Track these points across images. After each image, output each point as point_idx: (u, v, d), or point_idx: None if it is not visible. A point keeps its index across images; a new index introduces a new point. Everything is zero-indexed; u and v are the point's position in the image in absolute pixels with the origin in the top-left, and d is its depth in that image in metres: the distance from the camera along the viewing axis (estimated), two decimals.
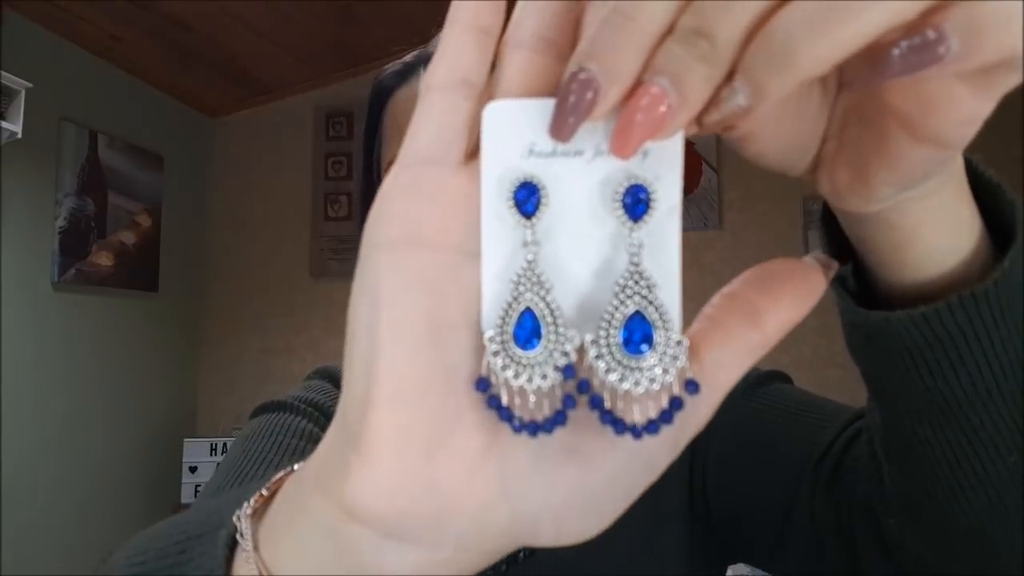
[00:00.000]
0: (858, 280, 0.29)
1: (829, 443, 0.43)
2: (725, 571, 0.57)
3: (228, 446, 2.13)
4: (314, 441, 0.52)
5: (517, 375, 0.19)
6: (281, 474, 0.26)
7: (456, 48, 0.20)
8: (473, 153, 0.20)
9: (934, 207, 0.24)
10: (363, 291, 0.20)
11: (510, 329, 0.19)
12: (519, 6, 0.20)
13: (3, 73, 2.02)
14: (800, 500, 0.43)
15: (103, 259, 2.60)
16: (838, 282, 0.29)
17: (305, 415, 0.55)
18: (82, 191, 2.50)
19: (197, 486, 2.69)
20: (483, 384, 0.19)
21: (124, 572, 0.27)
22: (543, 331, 0.19)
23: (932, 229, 0.25)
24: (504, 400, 0.19)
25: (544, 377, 0.19)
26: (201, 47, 2.65)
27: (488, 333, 0.19)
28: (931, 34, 0.16)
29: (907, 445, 0.31)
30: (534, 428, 0.19)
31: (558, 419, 0.19)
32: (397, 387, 0.19)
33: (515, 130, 0.19)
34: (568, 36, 0.20)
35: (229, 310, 3.17)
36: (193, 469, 2.73)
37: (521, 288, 0.19)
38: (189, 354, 3.12)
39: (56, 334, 2.41)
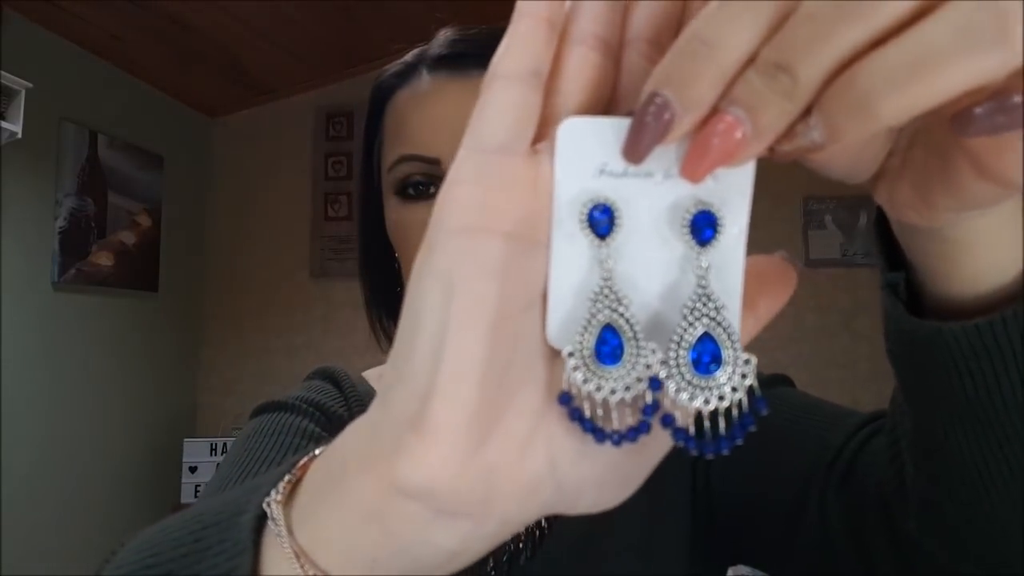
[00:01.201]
0: (907, 289, 0.29)
1: (841, 446, 0.43)
2: (726, 571, 0.57)
3: (228, 446, 2.13)
4: (315, 440, 0.52)
5: (599, 388, 0.19)
6: (304, 459, 0.25)
7: (525, 39, 0.20)
8: (534, 143, 0.21)
9: (989, 224, 0.24)
10: (433, 275, 0.20)
11: (591, 344, 0.20)
12: (573, 6, 0.21)
13: (3, 73, 2.02)
14: (810, 502, 0.43)
15: (103, 259, 2.60)
16: (889, 289, 0.29)
17: (306, 415, 0.55)
18: (82, 191, 2.50)
19: (197, 486, 2.69)
20: (565, 398, 0.20)
21: (133, 567, 0.26)
22: (625, 345, 0.20)
23: (986, 245, 0.25)
24: (587, 413, 0.20)
25: (627, 389, 0.20)
26: (201, 47, 2.65)
27: (567, 348, 0.20)
28: (1017, 99, 0.16)
29: (937, 449, 0.32)
30: (618, 439, 0.20)
31: (642, 428, 0.20)
32: (465, 372, 0.19)
33: (588, 149, 0.20)
34: (619, 34, 0.20)
35: (229, 310, 3.17)
36: (193, 469, 2.73)
37: (599, 305, 0.20)
38: (189, 354, 3.12)
39: (56, 334, 2.41)
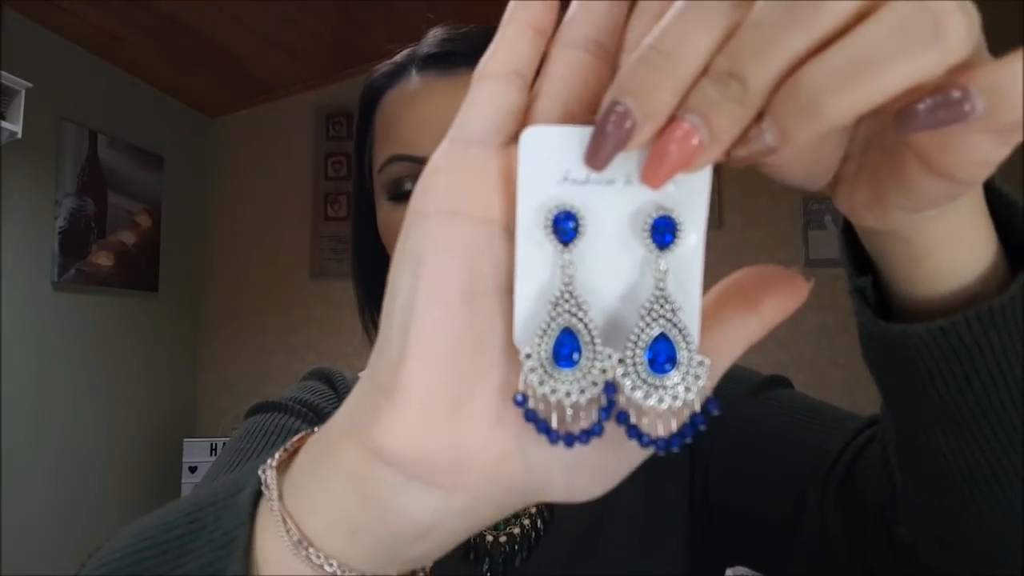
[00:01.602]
0: (877, 293, 0.30)
1: (840, 450, 0.43)
2: (724, 572, 0.57)
3: None
4: None
5: (554, 391, 0.20)
6: (302, 434, 0.27)
7: (511, 42, 0.21)
8: (514, 137, 0.21)
9: (949, 225, 0.25)
10: (406, 253, 0.21)
11: (548, 347, 0.20)
12: (572, 9, 0.21)
13: (3, 73, 2.02)
14: (810, 506, 0.43)
15: (103, 259, 2.60)
16: (858, 294, 0.29)
17: (299, 416, 0.55)
18: (82, 191, 2.50)
19: (197, 486, 2.69)
20: (521, 399, 0.20)
21: (125, 551, 0.27)
22: (582, 349, 0.20)
23: (947, 246, 0.25)
24: (542, 414, 0.20)
25: (582, 392, 0.20)
26: (201, 47, 2.65)
27: (525, 350, 0.20)
28: (956, 94, 0.17)
29: (920, 453, 0.32)
30: (570, 440, 0.20)
31: (595, 431, 0.20)
32: (431, 342, 0.21)
33: (551, 156, 0.20)
34: (615, 39, 0.21)
35: (229, 310, 3.17)
36: (193, 469, 2.73)
37: (559, 309, 0.20)
38: (189, 354, 3.12)
39: (56, 334, 2.41)
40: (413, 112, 0.51)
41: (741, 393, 0.53)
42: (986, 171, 0.20)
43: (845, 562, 0.41)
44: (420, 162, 0.50)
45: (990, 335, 0.26)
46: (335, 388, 0.59)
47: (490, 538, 0.52)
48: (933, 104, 0.17)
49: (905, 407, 0.31)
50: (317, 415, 0.56)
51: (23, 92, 2.09)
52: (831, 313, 2.59)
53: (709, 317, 0.22)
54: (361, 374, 0.65)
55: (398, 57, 0.55)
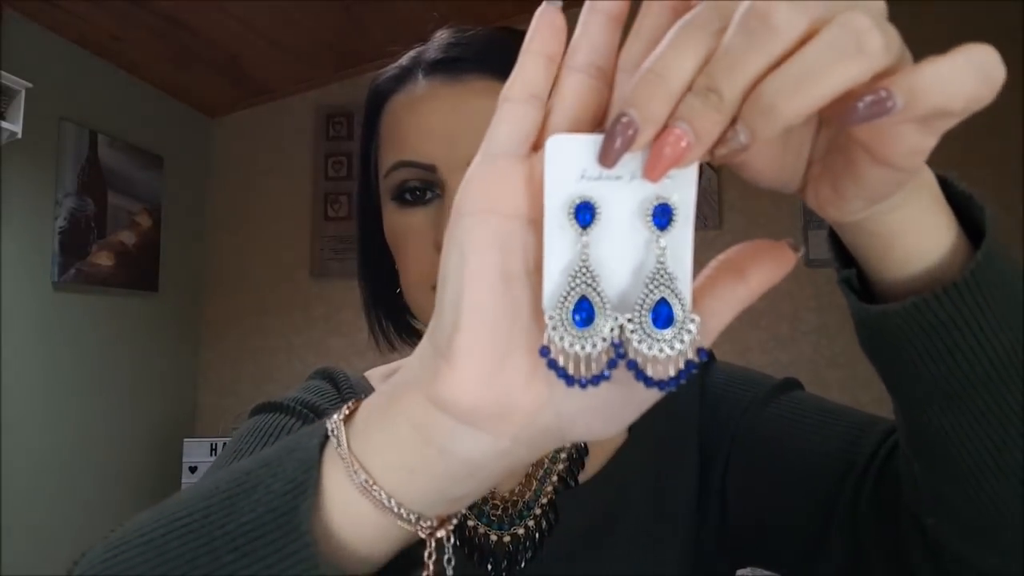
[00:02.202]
0: (863, 283, 0.34)
1: (871, 455, 0.44)
2: (734, 573, 0.57)
3: None
4: None
5: (571, 344, 0.25)
6: (359, 396, 0.32)
7: (528, 70, 0.27)
8: (534, 148, 0.27)
9: (907, 217, 0.29)
10: (453, 246, 0.26)
11: (568, 311, 0.25)
12: (575, 39, 0.27)
13: (3, 73, 2.02)
14: (840, 511, 0.44)
15: (103, 259, 2.60)
16: (844, 283, 0.34)
17: (300, 417, 0.55)
18: (82, 191, 2.50)
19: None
20: (544, 351, 0.25)
21: (148, 530, 0.30)
22: (595, 312, 0.25)
23: (908, 234, 0.30)
24: (560, 362, 0.25)
25: (594, 346, 0.25)
26: (201, 47, 2.65)
27: (548, 312, 0.25)
28: (883, 93, 0.22)
29: (926, 436, 0.34)
30: (584, 383, 0.25)
31: (604, 376, 0.25)
32: (478, 317, 0.26)
33: (571, 159, 0.25)
34: (611, 61, 0.26)
35: (229, 310, 3.17)
36: (193, 469, 2.73)
37: (577, 280, 0.25)
38: (189, 354, 3.12)
39: (56, 334, 2.41)
40: (419, 118, 0.51)
41: (756, 398, 0.53)
42: (919, 158, 0.24)
43: (879, 567, 0.42)
44: (426, 169, 0.50)
45: (961, 310, 0.30)
46: (338, 388, 0.59)
47: (495, 538, 0.52)
48: (868, 101, 0.22)
49: (902, 389, 0.34)
50: (319, 416, 0.56)
51: (23, 92, 2.10)
52: (831, 313, 2.59)
53: (706, 287, 0.27)
54: (367, 373, 0.65)
55: (404, 60, 0.55)
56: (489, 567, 0.51)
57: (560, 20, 0.27)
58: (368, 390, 0.60)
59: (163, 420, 2.92)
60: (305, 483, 0.28)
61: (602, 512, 0.53)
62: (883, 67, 0.22)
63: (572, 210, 0.25)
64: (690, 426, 0.56)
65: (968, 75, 0.22)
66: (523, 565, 0.51)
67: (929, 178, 0.30)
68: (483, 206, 0.26)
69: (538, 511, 0.53)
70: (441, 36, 0.54)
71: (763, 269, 0.27)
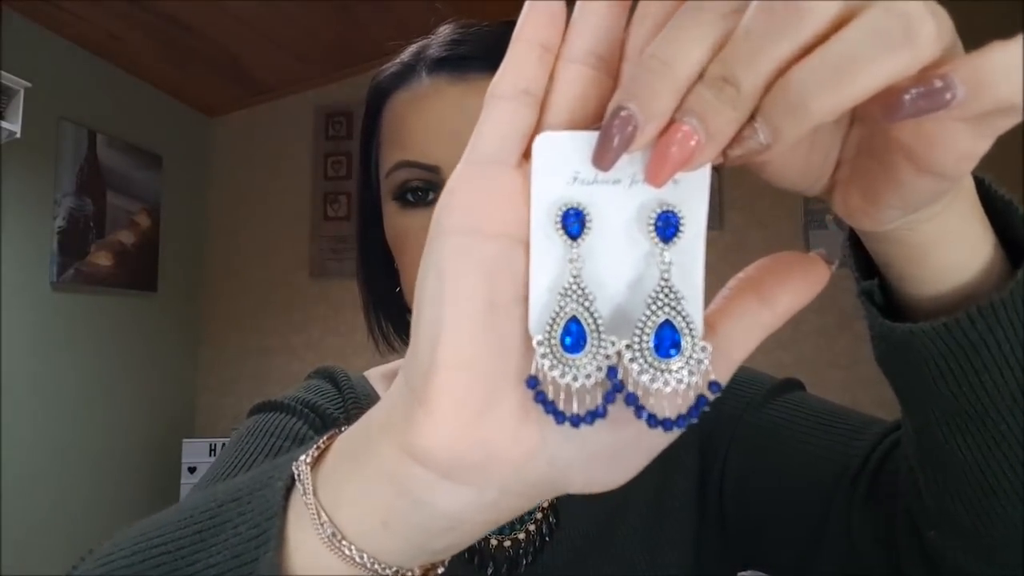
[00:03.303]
0: (885, 295, 0.31)
1: (865, 456, 0.43)
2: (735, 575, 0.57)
3: None
4: (303, 443, 0.52)
5: (563, 375, 0.22)
6: (331, 432, 0.28)
7: (519, 62, 0.22)
8: (526, 155, 0.23)
9: (943, 226, 0.26)
10: (430, 269, 0.23)
11: (557, 335, 0.22)
12: (572, 25, 0.23)
13: (2, 73, 2.02)
14: (835, 513, 0.43)
15: (102, 259, 2.59)
16: (865, 296, 0.30)
17: (300, 416, 0.54)
18: (81, 191, 2.50)
19: (195, 486, 2.69)
20: (532, 382, 0.22)
21: (128, 551, 0.28)
22: (587, 337, 0.22)
23: (943, 246, 0.27)
24: (550, 396, 0.22)
25: (588, 377, 0.22)
26: (201, 47, 2.65)
27: (537, 338, 0.22)
28: (938, 83, 0.18)
29: (938, 454, 0.32)
30: (576, 420, 0.22)
31: (599, 413, 0.22)
32: (458, 354, 0.22)
33: (562, 159, 0.22)
34: (616, 52, 0.22)
35: (228, 310, 3.17)
36: (192, 470, 2.72)
37: (567, 299, 0.22)
38: (188, 354, 3.11)
39: (55, 334, 2.40)
40: (423, 117, 0.50)
41: (757, 397, 0.53)
42: (969, 164, 0.21)
43: (874, 568, 0.41)
44: (430, 170, 0.49)
45: (995, 331, 0.27)
46: (339, 387, 0.59)
47: (495, 542, 0.52)
48: (917, 94, 0.18)
49: (918, 406, 0.32)
50: (319, 415, 0.55)
51: (22, 92, 2.09)
52: (831, 313, 2.59)
53: (724, 311, 0.23)
54: (367, 373, 0.64)
55: (406, 56, 0.54)
56: (489, 571, 0.51)
57: (557, 3, 0.22)
58: (368, 389, 0.60)
59: (162, 420, 2.91)
60: (267, 532, 0.25)
61: (603, 515, 0.53)
62: (933, 59, 0.18)
63: (559, 218, 0.22)
64: (690, 428, 0.55)
65: None
66: (523, 569, 0.51)
67: (969, 182, 0.27)
68: (466, 224, 0.22)
69: (539, 515, 0.52)
70: (445, 32, 0.53)
71: (791, 290, 0.23)
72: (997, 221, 0.28)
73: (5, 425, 2.17)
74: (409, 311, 0.56)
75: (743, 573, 0.59)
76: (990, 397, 0.28)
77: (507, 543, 0.52)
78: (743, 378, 0.56)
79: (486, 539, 0.52)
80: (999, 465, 0.29)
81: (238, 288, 3.17)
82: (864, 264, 0.31)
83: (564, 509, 0.53)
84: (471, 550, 0.51)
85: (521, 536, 0.52)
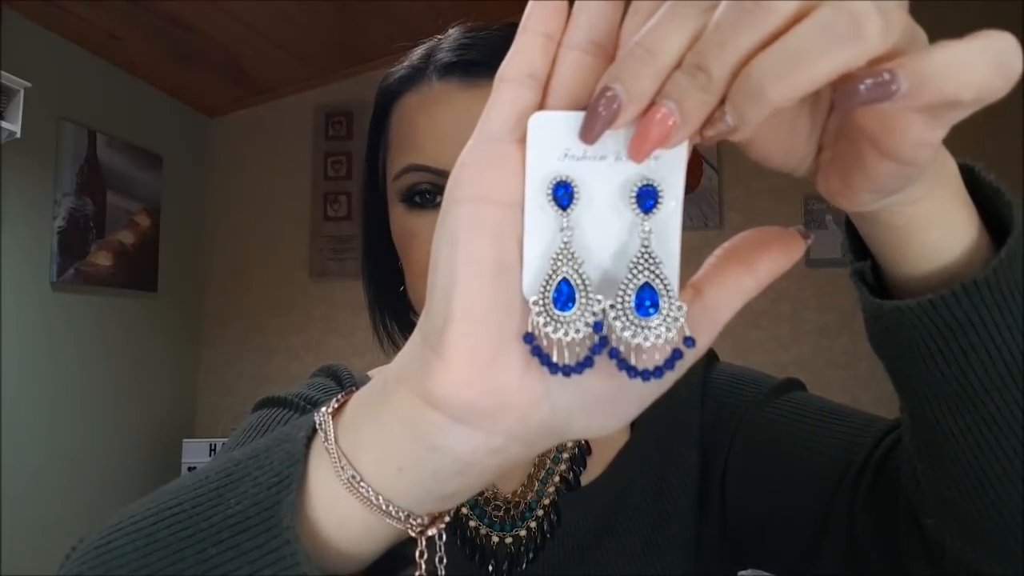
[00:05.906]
0: (878, 278, 0.32)
1: (868, 453, 0.43)
2: (735, 574, 0.57)
3: None
4: None
5: (555, 330, 0.24)
6: (349, 389, 0.31)
7: (525, 49, 0.25)
8: None
9: (926, 210, 0.28)
10: (444, 235, 0.25)
11: (550, 295, 0.24)
12: (573, 16, 0.25)
13: (2, 73, 2.02)
14: (838, 510, 0.44)
15: (102, 259, 2.59)
16: (857, 276, 0.32)
17: (303, 412, 0.54)
18: (81, 191, 2.50)
19: None
20: (529, 337, 0.24)
21: (137, 520, 0.30)
22: (576, 296, 0.24)
23: (926, 229, 0.28)
24: (545, 349, 0.24)
25: (577, 331, 0.24)
26: (201, 47, 2.65)
27: (532, 298, 0.24)
28: (886, 75, 0.20)
29: (933, 438, 0.33)
30: (568, 370, 0.24)
31: (586, 363, 0.24)
32: (470, 309, 0.24)
33: (554, 136, 0.24)
34: (612, 41, 0.24)
35: (228, 310, 3.17)
36: (192, 469, 2.72)
37: (559, 263, 0.24)
38: (188, 354, 3.11)
39: (55, 334, 2.40)
40: (433, 121, 0.50)
41: (758, 397, 0.53)
42: (925, 151, 0.23)
43: (877, 564, 0.41)
44: (439, 174, 0.49)
45: (980, 310, 0.28)
46: (342, 386, 0.59)
47: (496, 540, 0.52)
48: (868, 84, 0.20)
49: (911, 388, 0.33)
50: None
51: (22, 92, 2.09)
52: (831, 313, 2.59)
53: (711, 276, 0.26)
54: (370, 372, 0.64)
55: (415, 59, 0.54)
56: (490, 568, 0.51)
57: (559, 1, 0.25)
58: None
59: (162, 420, 2.91)
60: (290, 477, 0.27)
61: (604, 513, 0.53)
62: (880, 52, 0.20)
63: (551, 190, 0.24)
64: (691, 426, 0.55)
65: (983, 63, 0.20)
66: (524, 567, 0.51)
67: (952, 169, 0.28)
68: (475, 193, 0.25)
69: (540, 512, 0.53)
70: (454, 35, 0.53)
71: (771, 258, 0.26)
72: (988, 207, 0.30)
73: (5, 425, 2.17)
74: (414, 310, 0.56)
75: (743, 572, 0.59)
76: (979, 378, 0.29)
77: (508, 540, 0.52)
78: (744, 378, 0.56)
79: (487, 536, 0.52)
80: (991, 448, 0.30)
81: (238, 288, 3.17)
82: (858, 247, 0.33)
83: (565, 507, 0.53)
84: (472, 547, 0.52)
85: (522, 533, 0.52)
